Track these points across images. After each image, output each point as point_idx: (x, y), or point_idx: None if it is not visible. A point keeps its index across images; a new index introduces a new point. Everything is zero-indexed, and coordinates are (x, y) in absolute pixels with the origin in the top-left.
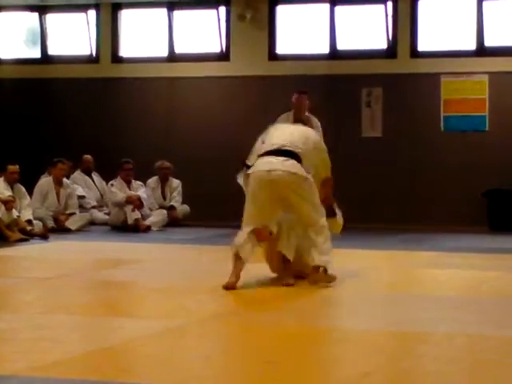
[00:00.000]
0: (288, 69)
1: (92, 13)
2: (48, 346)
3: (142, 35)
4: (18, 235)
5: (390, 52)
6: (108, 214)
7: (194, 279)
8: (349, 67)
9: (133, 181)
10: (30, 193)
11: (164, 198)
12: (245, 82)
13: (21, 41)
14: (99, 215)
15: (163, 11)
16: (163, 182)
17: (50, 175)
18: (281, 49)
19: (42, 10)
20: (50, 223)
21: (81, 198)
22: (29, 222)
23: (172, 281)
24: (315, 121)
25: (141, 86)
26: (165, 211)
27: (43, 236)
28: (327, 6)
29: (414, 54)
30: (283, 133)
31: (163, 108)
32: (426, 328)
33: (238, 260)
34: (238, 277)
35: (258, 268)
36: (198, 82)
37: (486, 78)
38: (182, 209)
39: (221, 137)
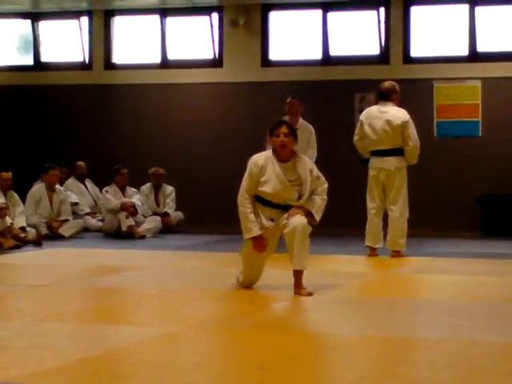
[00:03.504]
0: (281, 75)
1: (85, 19)
2: (42, 353)
3: (135, 42)
4: (12, 242)
5: (383, 58)
6: (102, 220)
7: (188, 285)
8: (342, 73)
9: (127, 187)
10: (24, 200)
11: (158, 204)
12: (238, 88)
13: (13, 48)
14: (93, 222)
15: (156, 18)
16: (157, 188)
17: (43, 182)
18: (274, 55)
19: (35, 16)
20: (44, 230)
21: (74, 204)
22: (22, 229)
23: (166, 287)
24: (310, 127)
25: (134, 92)
26: (158, 218)
27: (37, 243)
28: (320, 12)
29: (407, 59)
30: None
31: (156, 114)
32: (420, 333)
33: None
34: None
35: None
36: (191, 88)
37: (478, 83)
38: (176, 215)
39: (214, 143)
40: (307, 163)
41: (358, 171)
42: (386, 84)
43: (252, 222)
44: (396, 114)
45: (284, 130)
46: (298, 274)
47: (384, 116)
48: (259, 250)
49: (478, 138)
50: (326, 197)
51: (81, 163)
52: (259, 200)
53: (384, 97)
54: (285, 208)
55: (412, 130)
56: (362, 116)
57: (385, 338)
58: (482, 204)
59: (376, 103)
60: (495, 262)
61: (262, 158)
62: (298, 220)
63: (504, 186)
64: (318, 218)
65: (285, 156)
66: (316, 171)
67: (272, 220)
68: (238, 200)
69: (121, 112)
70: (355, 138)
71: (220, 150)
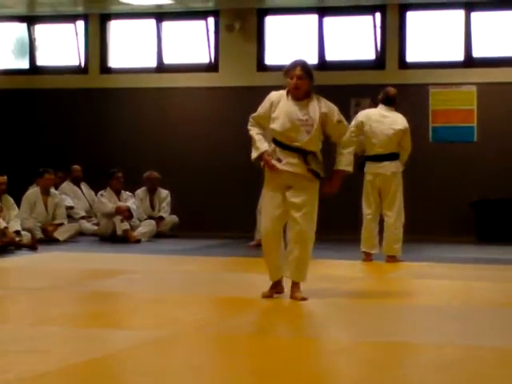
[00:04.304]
0: (277, 79)
1: (81, 23)
2: (38, 356)
3: (131, 46)
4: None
5: (379, 63)
6: (97, 224)
7: (183, 290)
8: (337, 78)
9: (122, 191)
10: (19, 204)
11: (153, 208)
12: (233, 92)
13: (9, 51)
14: (88, 226)
15: (152, 22)
16: (152, 192)
17: (38, 186)
18: (269, 59)
19: (31, 20)
20: (39, 234)
21: (69, 208)
22: (17, 232)
23: (162, 291)
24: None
25: (129, 96)
26: (153, 222)
27: (32, 247)
28: (316, 16)
29: (403, 64)
30: None
31: (152, 118)
32: (415, 338)
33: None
34: None
35: (252, 278)
36: (187, 92)
37: (474, 88)
38: (171, 219)
39: (209, 147)
40: (321, 106)
41: (354, 176)
42: (392, 90)
43: (258, 141)
44: (397, 119)
45: (298, 72)
46: (295, 282)
47: (386, 120)
48: (270, 167)
49: (473, 143)
50: (352, 142)
51: (76, 167)
52: (274, 142)
53: (390, 102)
54: (293, 150)
55: (409, 139)
56: (361, 117)
57: (380, 342)
58: (477, 209)
59: (373, 107)
60: (489, 267)
61: (277, 94)
62: (303, 226)
63: (498, 191)
64: (349, 169)
65: (299, 96)
66: (337, 116)
67: (280, 160)
68: (248, 127)
69: (116, 116)
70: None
71: (216, 153)
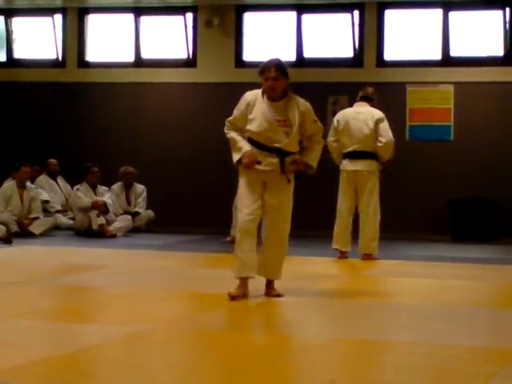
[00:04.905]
0: (255, 76)
1: (58, 17)
2: (10, 351)
3: (109, 40)
4: None
5: (357, 61)
6: (72, 218)
7: (158, 285)
8: (315, 75)
9: (98, 186)
10: None
11: (129, 203)
12: (211, 88)
13: None
14: (63, 220)
15: (130, 16)
16: (128, 187)
17: (14, 179)
18: (248, 56)
19: (8, 13)
20: (14, 227)
21: (45, 202)
22: None
23: (137, 287)
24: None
25: (107, 91)
26: (129, 217)
27: (7, 240)
28: (294, 13)
29: (380, 63)
30: None
31: (129, 113)
32: (389, 336)
33: None
34: None
35: (227, 275)
36: (165, 87)
37: (451, 87)
38: (147, 214)
39: (187, 143)
40: (299, 106)
41: (331, 173)
42: (370, 89)
43: (239, 142)
44: (371, 112)
45: (272, 74)
46: (270, 279)
47: (361, 116)
48: (250, 165)
49: (449, 142)
50: (322, 141)
51: (53, 161)
52: (249, 141)
53: (367, 99)
54: (272, 151)
55: (385, 126)
56: (337, 117)
57: (354, 340)
58: (452, 208)
59: (350, 106)
60: (463, 266)
61: (252, 94)
62: (280, 227)
63: (474, 190)
64: (314, 164)
65: (275, 97)
66: (312, 115)
67: (259, 163)
68: (225, 131)
69: (93, 110)
70: (331, 138)
71: (192, 150)
